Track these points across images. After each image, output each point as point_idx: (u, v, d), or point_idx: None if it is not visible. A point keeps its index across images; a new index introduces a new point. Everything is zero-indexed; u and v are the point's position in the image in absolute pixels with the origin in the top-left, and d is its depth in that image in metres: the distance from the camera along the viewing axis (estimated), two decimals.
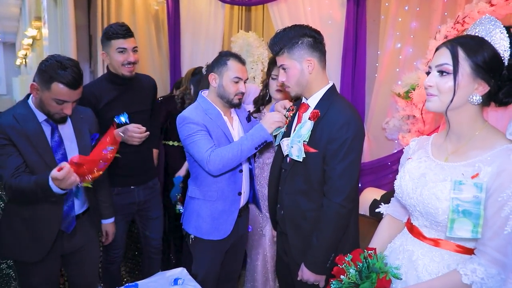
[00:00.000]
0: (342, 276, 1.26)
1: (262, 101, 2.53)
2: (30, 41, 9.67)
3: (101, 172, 1.64)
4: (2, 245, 1.84)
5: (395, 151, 3.00)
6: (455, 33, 2.54)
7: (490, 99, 1.17)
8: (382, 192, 2.77)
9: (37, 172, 1.68)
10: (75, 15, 4.07)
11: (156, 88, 2.59)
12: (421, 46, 2.84)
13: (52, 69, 1.63)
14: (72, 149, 1.85)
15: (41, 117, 1.77)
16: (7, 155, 1.67)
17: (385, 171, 3.01)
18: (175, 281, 1.83)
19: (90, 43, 4.38)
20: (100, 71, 4.22)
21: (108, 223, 2.19)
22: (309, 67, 1.66)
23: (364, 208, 2.69)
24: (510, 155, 1.07)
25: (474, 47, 1.13)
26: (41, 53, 7.70)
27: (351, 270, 1.24)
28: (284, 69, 1.69)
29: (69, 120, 1.87)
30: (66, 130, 1.85)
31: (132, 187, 2.40)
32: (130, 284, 1.81)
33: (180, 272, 1.94)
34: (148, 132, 2.21)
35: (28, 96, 1.80)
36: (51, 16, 5.15)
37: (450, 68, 1.15)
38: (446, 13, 2.74)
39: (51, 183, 1.54)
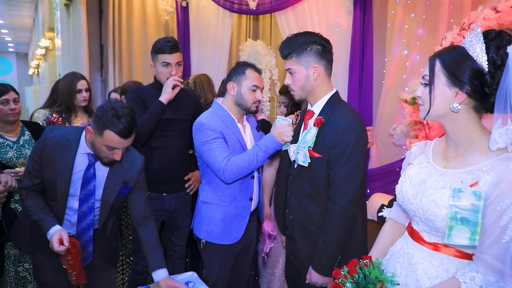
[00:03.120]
0: None
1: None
2: (43, 51, 9.85)
3: (67, 263, 1.76)
4: (20, 238, 1.98)
5: (403, 157, 3.01)
6: (461, 39, 2.56)
7: (482, 106, 1.17)
8: (390, 197, 2.78)
9: (48, 192, 1.85)
10: (87, 26, 4.17)
11: (198, 103, 2.62)
12: (428, 52, 2.79)
13: (106, 117, 1.65)
14: (96, 191, 1.86)
15: (84, 149, 1.80)
16: (31, 172, 1.81)
17: (393, 177, 3.01)
18: (186, 285, 1.87)
19: (102, 53, 4.47)
20: (111, 80, 4.31)
21: (163, 279, 1.84)
22: (314, 74, 1.70)
23: (372, 213, 2.71)
24: (510, 164, 1.07)
25: (450, 58, 1.16)
26: (53, 63, 7.87)
27: (347, 284, 1.25)
28: (290, 73, 1.75)
29: None
30: (100, 172, 1.85)
31: (164, 194, 2.42)
32: (142, 287, 1.86)
33: (190, 276, 1.98)
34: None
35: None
36: (64, 27, 5.28)
37: (428, 78, 1.19)
38: (452, 20, 2.76)
39: (48, 234, 1.75)
